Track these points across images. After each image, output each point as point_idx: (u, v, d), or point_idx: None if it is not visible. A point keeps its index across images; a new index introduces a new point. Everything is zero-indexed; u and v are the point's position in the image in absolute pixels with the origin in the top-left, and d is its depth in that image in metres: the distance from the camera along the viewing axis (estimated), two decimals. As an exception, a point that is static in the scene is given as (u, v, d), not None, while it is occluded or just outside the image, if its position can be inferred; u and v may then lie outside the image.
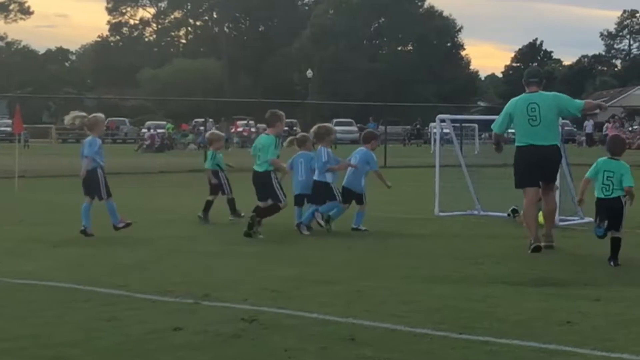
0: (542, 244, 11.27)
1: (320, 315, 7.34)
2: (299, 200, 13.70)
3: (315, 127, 14.00)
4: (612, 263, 10.16)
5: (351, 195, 13.60)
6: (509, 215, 14.87)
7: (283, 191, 12.90)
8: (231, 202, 14.88)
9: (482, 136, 46.32)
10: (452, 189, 16.35)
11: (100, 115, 13.72)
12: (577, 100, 12.22)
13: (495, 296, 8.25)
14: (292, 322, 7.15)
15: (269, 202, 12.98)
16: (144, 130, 64.21)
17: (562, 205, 14.34)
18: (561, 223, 14.12)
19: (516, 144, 11.75)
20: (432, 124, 18.69)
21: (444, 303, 7.91)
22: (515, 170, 11.78)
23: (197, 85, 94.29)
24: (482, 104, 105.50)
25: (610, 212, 10.23)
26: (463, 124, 22.08)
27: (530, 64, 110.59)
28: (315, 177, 13.46)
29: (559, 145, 11.83)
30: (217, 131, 16.84)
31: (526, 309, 7.65)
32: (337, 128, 74.49)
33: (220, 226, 14.16)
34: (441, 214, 15.55)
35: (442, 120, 16.98)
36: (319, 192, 13.41)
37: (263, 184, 12.95)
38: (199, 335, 6.69)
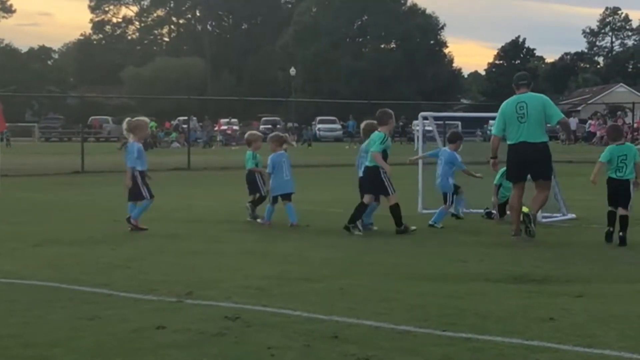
0: (520, 234, 12.21)
1: (303, 313, 7.33)
2: (282, 198, 14.07)
3: (364, 123, 14.06)
4: (620, 234, 11.54)
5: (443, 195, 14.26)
6: (482, 216, 14.96)
7: (392, 185, 12.98)
8: (258, 202, 14.86)
9: (478, 134, 46.38)
10: (436, 187, 16.34)
11: (144, 119, 14.04)
12: (560, 112, 12.92)
13: (478, 293, 8.27)
14: (276, 320, 7.14)
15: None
16: (127, 128, 63.90)
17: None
18: (544, 220, 14.18)
19: (507, 142, 12.52)
20: (415, 122, 18.78)
21: (426, 300, 7.93)
22: (507, 166, 12.68)
23: (181, 84, 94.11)
24: (465, 101, 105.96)
25: (619, 192, 11.69)
26: (446, 122, 22.11)
27: (512, 61, 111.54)
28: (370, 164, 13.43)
29: (547, 141, 12.50)
30: (255, 131, 16.98)
31: (508, 306, 7.67)
32: (320, 126, 74.84)
33: (203, 225, 14.12)
34: (424, 211, 15.57)
35: (425, 118, 17.00)
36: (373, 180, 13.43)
37: (372, 179, 13.00)
38: (182, 334, 6.67)
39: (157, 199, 18.37)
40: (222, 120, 68.98)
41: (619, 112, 62.77)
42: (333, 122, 75.50)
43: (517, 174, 12.45)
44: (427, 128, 17.49)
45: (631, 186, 11.82)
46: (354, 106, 64.57)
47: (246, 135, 16.24)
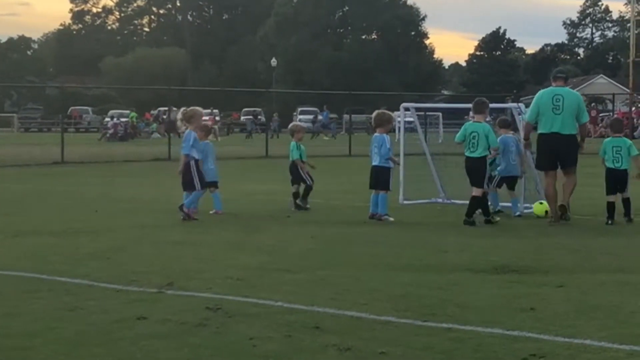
0: (559, 221, 12.85)
1: (284, 304, 7.32)
2: (209, 186, 14.08)
3: (375, 113, 14.14)
4: (627, 219, 12.90)
5: (511, 180, 14.27)
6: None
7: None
8: (306, 192, 14.86)
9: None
10: (417, 178, 16.38)
11: (199, 108, 14.12)
12: (587, 115, 13.75)
13: (459, 283, 8.29)
14: (257, 310, 7.13)
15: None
16: (107, 119, 63.83)
17: (527, 194, 14.47)
18: (526, 210, 14.22)
19: (539, 131, 13.18)
20: (396, 113, 18.63)
21: (407, 291, 7.93)
22: (538, 154, 13.43)
23: (161, 74, 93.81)
24: (446, 92, 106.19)
25: (617, 179, 12.92)
26: (427, 113, 22.10)
27: (493, 52, 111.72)
28: (379, 163, 13.55)
29: (576, 134, 13.17)
30: (299, 122, 17.03)
31: (489, 296, 7.68)
32: (302, 117, 74.90)
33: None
34: (405, 202, 15.58)
35: (407, 109, 17.00)
36: (385, 178, 13.56)
37: (477, 168, 13.09)
38: (163, 325, 6.65)
39: (138, 189, 18.37)
40: (204, 111, 68.85)
41: (592, 104, 62.88)
42: (314, 113, 75.46)
43: (549, 163, 13.14)
44: (407, 119, 17.46)
45: (628, 174, 13.02)
46: (334, 97, 64.56)
47: (290, 126, 16.43)
